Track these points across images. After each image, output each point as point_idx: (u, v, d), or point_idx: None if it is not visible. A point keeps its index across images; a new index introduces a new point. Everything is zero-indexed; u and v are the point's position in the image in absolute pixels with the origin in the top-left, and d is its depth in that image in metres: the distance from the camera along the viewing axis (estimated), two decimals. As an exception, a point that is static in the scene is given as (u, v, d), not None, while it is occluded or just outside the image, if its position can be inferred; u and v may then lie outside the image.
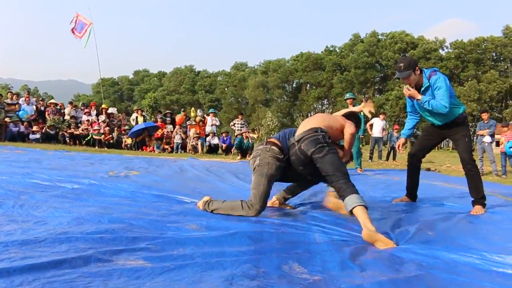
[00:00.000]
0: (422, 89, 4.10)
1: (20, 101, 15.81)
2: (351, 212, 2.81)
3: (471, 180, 4.17)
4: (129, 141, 14.94)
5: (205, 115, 17.19)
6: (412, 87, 4.10)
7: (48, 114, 15.94)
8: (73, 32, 18.96)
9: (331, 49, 76.96)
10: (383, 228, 2.94)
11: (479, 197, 4.09)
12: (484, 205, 4.06)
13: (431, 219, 3.51)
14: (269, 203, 3.54)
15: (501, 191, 6.02)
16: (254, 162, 3.40)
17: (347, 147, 3.56)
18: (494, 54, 66.09)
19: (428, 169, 10.10)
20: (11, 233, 2.31)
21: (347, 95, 10.51)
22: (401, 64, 4.08)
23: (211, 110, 18.14)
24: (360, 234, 2.66)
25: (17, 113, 15.11)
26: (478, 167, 4.34)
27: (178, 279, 1.75)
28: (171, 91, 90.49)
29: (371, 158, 14.48)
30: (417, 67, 4.05)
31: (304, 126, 3.38)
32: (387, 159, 14.80)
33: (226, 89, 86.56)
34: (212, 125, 16.34)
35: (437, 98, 3.97)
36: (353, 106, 10.27)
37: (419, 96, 4.06)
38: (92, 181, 4.58)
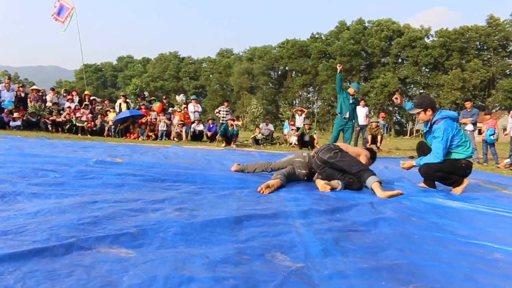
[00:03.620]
0: (426, 129, 4.66)
1: (0, 87, 15.52)
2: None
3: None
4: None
5: (186, 101, 17.12)
6: (422, 123, 4.75)
7: (31, 101, 15.68)
8: (54, 17, 18.60)
9: (316, 36, 76.84)
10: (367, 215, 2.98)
11: (449, 185, 4.61)
12: (459, 185, 4.49)
13: (414, 205, 3.56)
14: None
15: (482, 178, 6.14)
16: None
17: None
18: (478, 43, 66.75)
19: (412, 157, 10.19)
20: (-9, 221, 2.28)
21: (354, 86, 10.51)
22: (416, 101, 4.78)
23: (193, 96, 18.02)
24: (342, 221, 2.82)
25: (3, 104, 14.87)
26: None
27: (161, 267, 1.75)
28: (156, 77, 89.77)
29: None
30: (428, 109, 4.58)
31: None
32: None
33: (211, 75, 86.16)
34: (194, 112, 16.27)
35: (433, 146, 4.49)
36: (353, 97, 10.32)
37: (414, 163, 4.65)
38: (75, 168, 4.53)
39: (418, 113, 4.66)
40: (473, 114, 10.87)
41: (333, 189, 4.15)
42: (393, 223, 2.84)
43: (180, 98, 17.33)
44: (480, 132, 11.99)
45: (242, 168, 5.31)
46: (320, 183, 4.22)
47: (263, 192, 3.84)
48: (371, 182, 4.07)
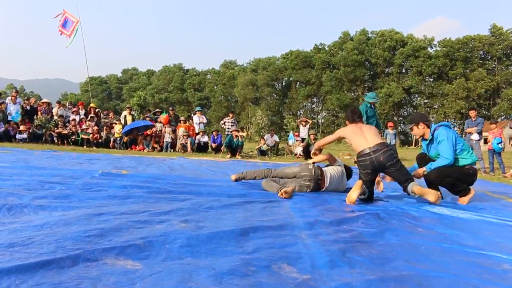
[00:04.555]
0: (427, 141, 4.69)
1: (7, 100, 15.65)
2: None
3: (444, 187, 4.67)
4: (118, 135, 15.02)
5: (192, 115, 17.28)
6: (419, 138, 4.91)
7: (41, 114, 15.81)
8: (60, 30, 18.77)
9: (320, 47, 77.10)
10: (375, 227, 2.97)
11: (456, 193, 4.58)
12: (465, 195, 4.47)
13: (421, 216, 3.54)
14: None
15: (489, 188, 6.10)
16: None
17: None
18: (481, 53, 66.79)
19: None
20: (-3, 234, 2.29)
21: (373, 97, 10.18)
22: (409, 118, 4.94)
23: (198, 108, 18.11)
24: (349, 232, 2.80)
25: (11, 117, 15.01)
26: None
27: (167, 279, 1.74)
28: (160, 89, 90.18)
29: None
30: (420, 122, 4.69)
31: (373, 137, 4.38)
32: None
33: (215, 87, 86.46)
34: (199, 123, 16.33)
35: (440, 151, 4.47)
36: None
37: (424, 170, 4.58)
38: (81, 181, 4.55)
39: (411, 128, 4.79)
40: (478, 123, 10.82)
41: (362, 193, 4.14)
42: (400, 233, 2.82)
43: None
44: (486, 142, 11.91)
45: (242, 176, 5.33)
46: (359, 183, 4.18)
47: (284, 196, 4.13)
48: (412, 186, 4.17)
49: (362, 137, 4.40)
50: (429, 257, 2.29)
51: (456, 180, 4.45)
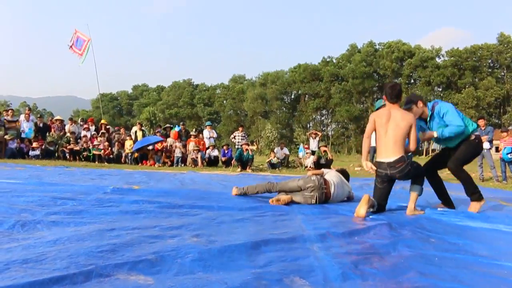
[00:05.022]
0: (428, 119, 4.70)
1: (20, 118, 15.88)
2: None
3: (461, 183, 4.62)
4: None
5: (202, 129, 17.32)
6: (417, 118, 4.70)
7: (54, 131, 16.02)
8: (72, 48, 19.08)
9: (328, 60, 77.17)
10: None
11: (470, 195, 4.56)
12: (478, 200, 4.48)
13: (433, 226, 3.51)
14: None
15: (502, 197, 6.03)
16: None
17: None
18: (490, 61, 66.43)
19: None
20: (11, 250, 2.31)
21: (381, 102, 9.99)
22: (405, 101, 4.83)
23: (208, 123, 18.18)
24: (361, 244, 2.81)
25: (25, 134, 15.22)
26: (478, 173, 4.60)
27: (180, 293, 1.75)
28: (170, 105, 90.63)
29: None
30: (418, 101, 4.66)
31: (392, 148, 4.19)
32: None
33: (224, 101, 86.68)
34: (210, 137, 16.38)
35: (449, 121, 4.46)
36: None
37: (435, 134, 4.58)
38: (93, 196, 4.58)
39: (411, 108, 4.68)
40: (488, 132, 10.73)
41: (370, 206, 4.11)
42: (412, 244, 2.80)
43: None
44: (497, 150, 11.79)
45: (244, 191, 5.27)
46: (366, 197, 4.11)
47: (275, 204, 4.45)
48: (413, 190, 4.30)
49: (383, 146, 4.27)
50: (442, 268, 2.27)
51: (471, 159, 4.64)
